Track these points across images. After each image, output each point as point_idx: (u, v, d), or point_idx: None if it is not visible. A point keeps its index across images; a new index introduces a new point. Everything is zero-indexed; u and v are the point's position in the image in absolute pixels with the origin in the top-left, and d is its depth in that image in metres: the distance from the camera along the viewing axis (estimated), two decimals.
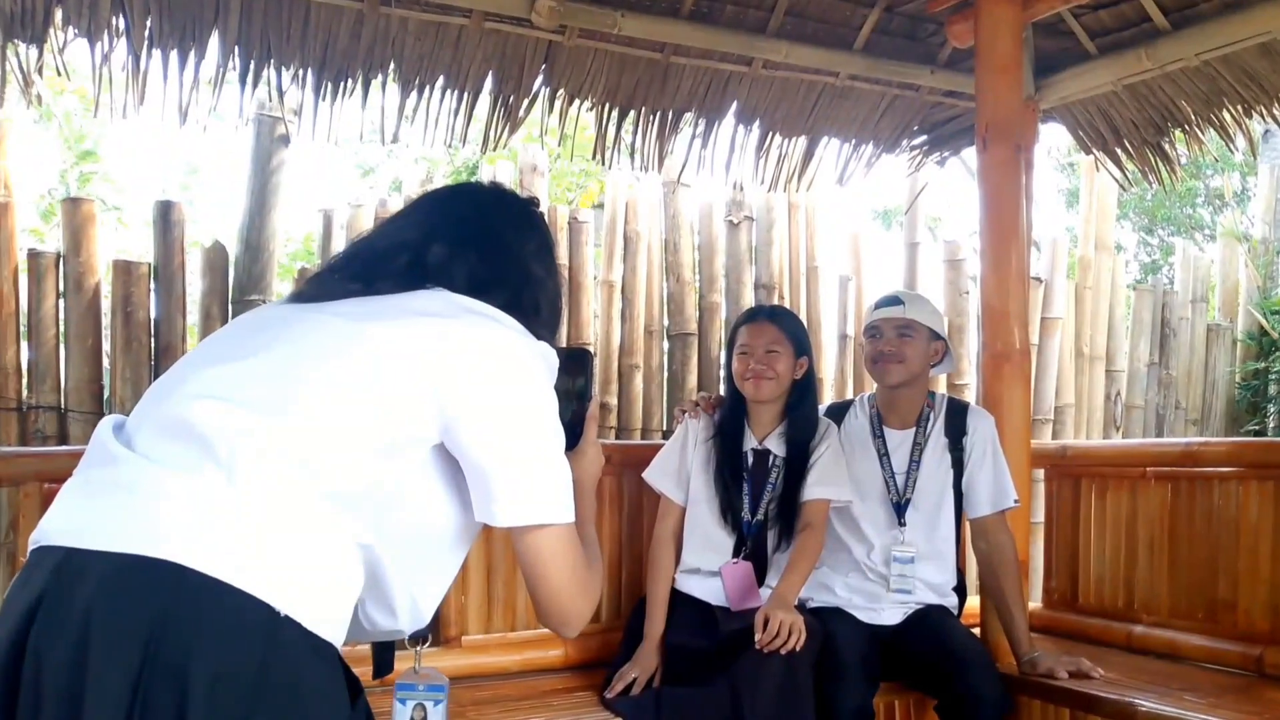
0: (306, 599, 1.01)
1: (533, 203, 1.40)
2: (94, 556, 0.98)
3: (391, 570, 1.11)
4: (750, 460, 2.45)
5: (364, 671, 1.30)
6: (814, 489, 2.40)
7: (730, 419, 2.47)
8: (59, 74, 2.53)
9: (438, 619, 2.45)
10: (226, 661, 0.95)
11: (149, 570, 0.96)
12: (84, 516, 1.02)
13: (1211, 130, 3.21)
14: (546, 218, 3.79)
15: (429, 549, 1.17)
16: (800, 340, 2.46)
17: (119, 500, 1.01)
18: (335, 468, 1.06)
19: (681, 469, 2.49)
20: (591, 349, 3.66)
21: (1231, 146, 3.30)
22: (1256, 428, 4.93)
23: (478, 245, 1.27)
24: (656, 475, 2.51)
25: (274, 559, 1.00)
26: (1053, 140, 8.41)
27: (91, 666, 0.93)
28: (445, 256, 1.24)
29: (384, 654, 1.32)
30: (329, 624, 1.03)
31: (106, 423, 1.11)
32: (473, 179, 5.98)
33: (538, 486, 1.15)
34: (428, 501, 1.15)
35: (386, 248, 1.26)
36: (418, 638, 1.29)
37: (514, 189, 1.44)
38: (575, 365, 1.32)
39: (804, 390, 2.47)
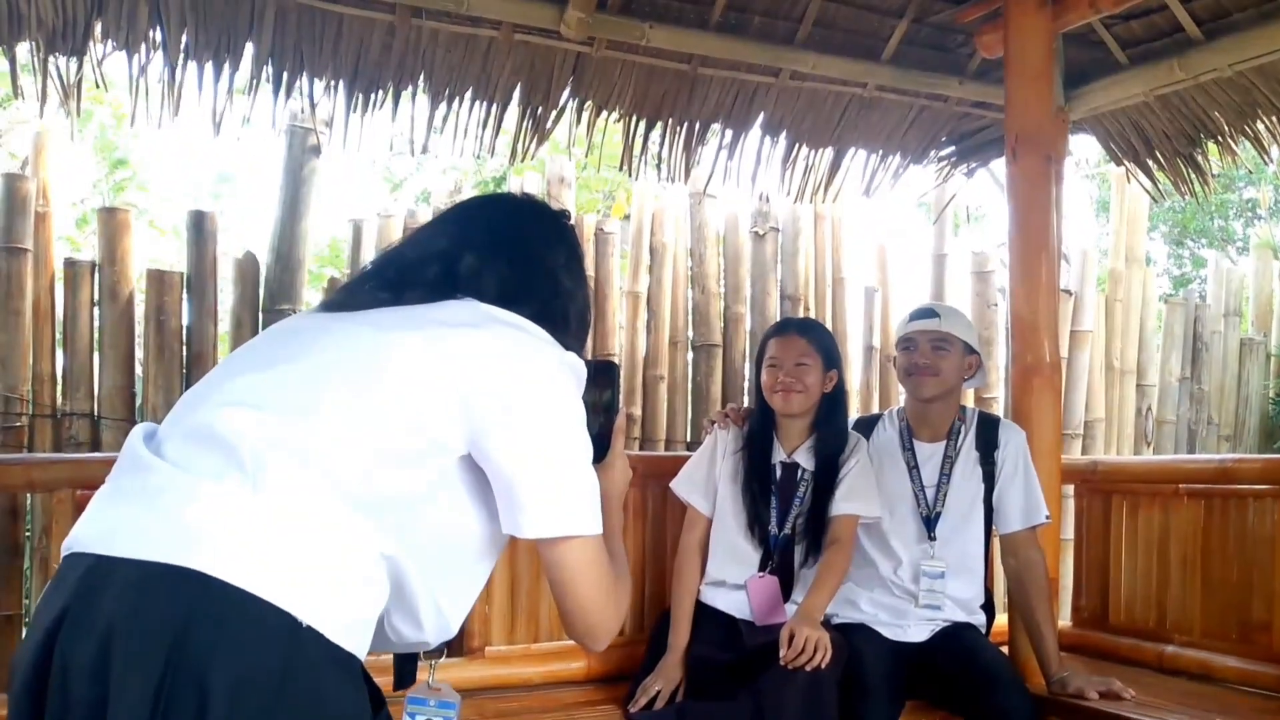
0: (329, 610, 1.01)
1: (563, 215, 1.40)
2: (120, 563, 0.98)
3: (417, 582, 1.11)
4: (779, 473, 2.44)
5: (386, 682, 1.30)
6: (842, 504, 2.39)
7: (759, 431, 2.46)
8: (97, 86, 2.57)
9: (461, 629, 2.45)
10: (247, 671, 0.95)
11: (173, 578, 0.97)
12: (112, 523, 1.03)
13: (1245, 141, 3.17)
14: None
15: (455, 560, 1.17)
16: (830, 353, 2.45)
17: (146, 507, 1.02)
18: (361, 477, 1.07)
19: (709, 480, 2.48)
20: (617, 360, 3.66)
21: (1266, 157, 3.26)
22: None
23: (508, 256, 1.27)
24: (684, 486, 2.50)
25: (297, 569, 1.00)
26: (1082, 150, 8.34)
27: (114, 673, 0.94)
28: (476, 267, 1.24)
29: (406, 665, 1.32)
30: (352, 635, 1.03)
31: (138, 431, 1.13)
32: (501, 190, 6.02)
33: (565, 498, 1.15)
34: (454, 512, 1.15)
35: (417, 258, 1.26)
36: (434, 651, 1.29)
37: (544, 200, 1.44)
38: (603, 377, 1.32)
39: (834, 403, 2.45)
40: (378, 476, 1.07)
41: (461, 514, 1.16)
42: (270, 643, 0.97)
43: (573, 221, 1.41)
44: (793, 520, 2.41)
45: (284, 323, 1.29)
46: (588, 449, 1.19)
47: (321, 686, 1.00)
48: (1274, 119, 3.04)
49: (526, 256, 1.28)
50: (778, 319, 3.85)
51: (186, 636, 0.95)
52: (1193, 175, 3.33)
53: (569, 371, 1.20)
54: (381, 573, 1.07)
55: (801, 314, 3.89)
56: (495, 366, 1.14)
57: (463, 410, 1.11)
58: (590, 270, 3.66)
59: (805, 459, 2.44)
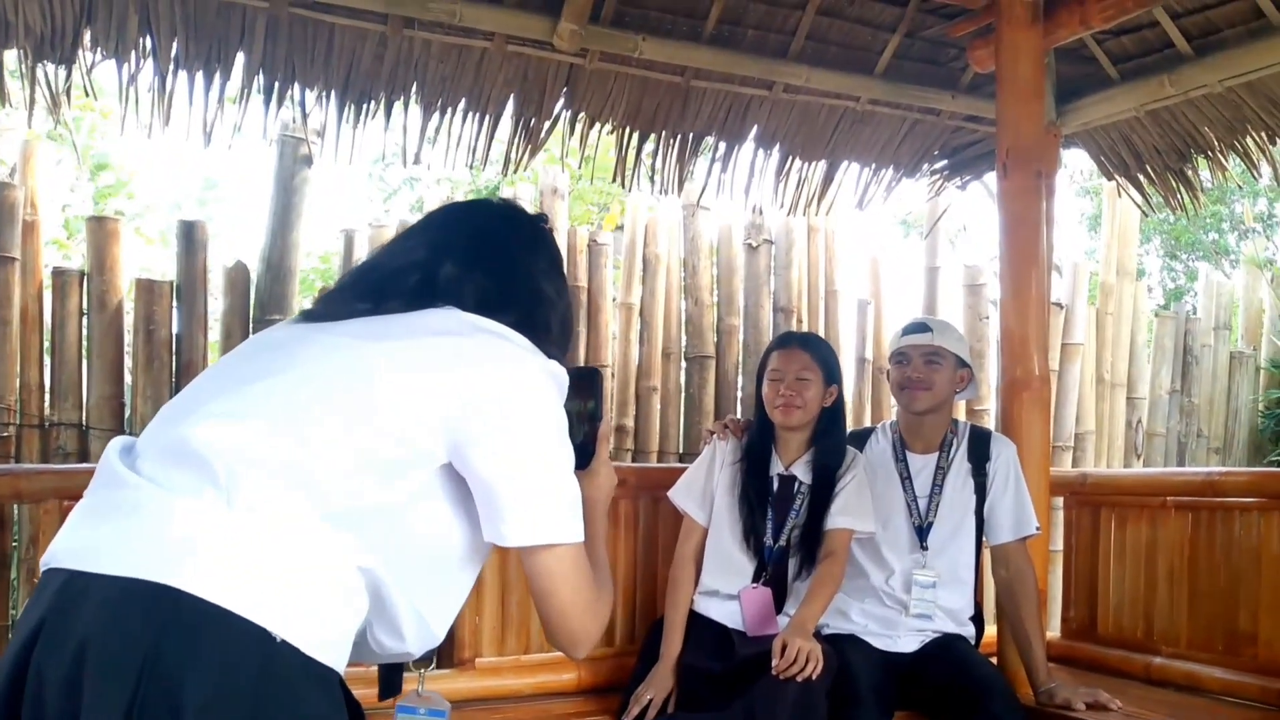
0: (304, 624, 1.00)
1: (541, 220, 1.39)
2: (95, 580, 0.98)
3: (396, 593, 1.10)
4: (775, 485, 2.44)
5: (373, 692, 1.29)
6: (838, 518, 2.39)
7: (758, 443, 2.47)
8: (86, 94, 2.57)
9: (451, 640, 2.45)
10: (220, 687, 0.95)
11: (147, 595, 0.96)
12: (88, 539, 1.03)
13: (1235, 156, 3.19)
14: (566, 240, 3.80)
15: (437, 569, 1.17)
16: (831, 368, 2.46)
17: (121, 524, 1.02)
18: (338, 490, 1.06)
19: (706, 490, 2.48)
20: (609, 369, 3.66)
21: (1256, 173, 3.28)
22: (1279, 458, 4.86)
23: (488, 264, 1.26)
24: (681, 495, 2.51)
25: (271, 584, 1.00)
26: (1076, 164, 8.37)
27: (87, 689, 0.94)
28: (455, 275, 1.23)
29: (392, 675, 1.31)
30: (328, 649, 1.03)
31: (114, 445, 1.12)
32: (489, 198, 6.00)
33: (547, 506, 1.15)
34: (435, 521, 1.14)
35: (397, 267, 1.26)
36: (423, 660, 1.28)
37: (522, 205, 1.43)
38: (586, 385, 1.32)
39: (833, 418, 2.46)
40: (357, 488, 1.07)
41: (443, 524, 1.15)
42: (244, 658, 0.96)
43: (551, 227, 1.40)
44: (788, 533, 2.41)
45: (263, 334, 1.28)
46: (569, 457, 1.19)
47: (297, 702, 0.99)
48: (1263, 134, 3.06)
49: (506, 264, 1.28)
50: (771, 331, 3.86)
51: (160, 653, 0.94)
52: (1183, 190, 3.35)
53: (551, 379, 1.19)
54: (360, 586, 1.07)
55: (795, 326, 3.90)
56: (477, 375, 1.13)
57: (444, 419, 1.11)
58: (583, 281, 3.67)
59: (803, 472, 2.44)
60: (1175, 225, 8.17)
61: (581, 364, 3.47)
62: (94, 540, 1.02)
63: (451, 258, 1.25)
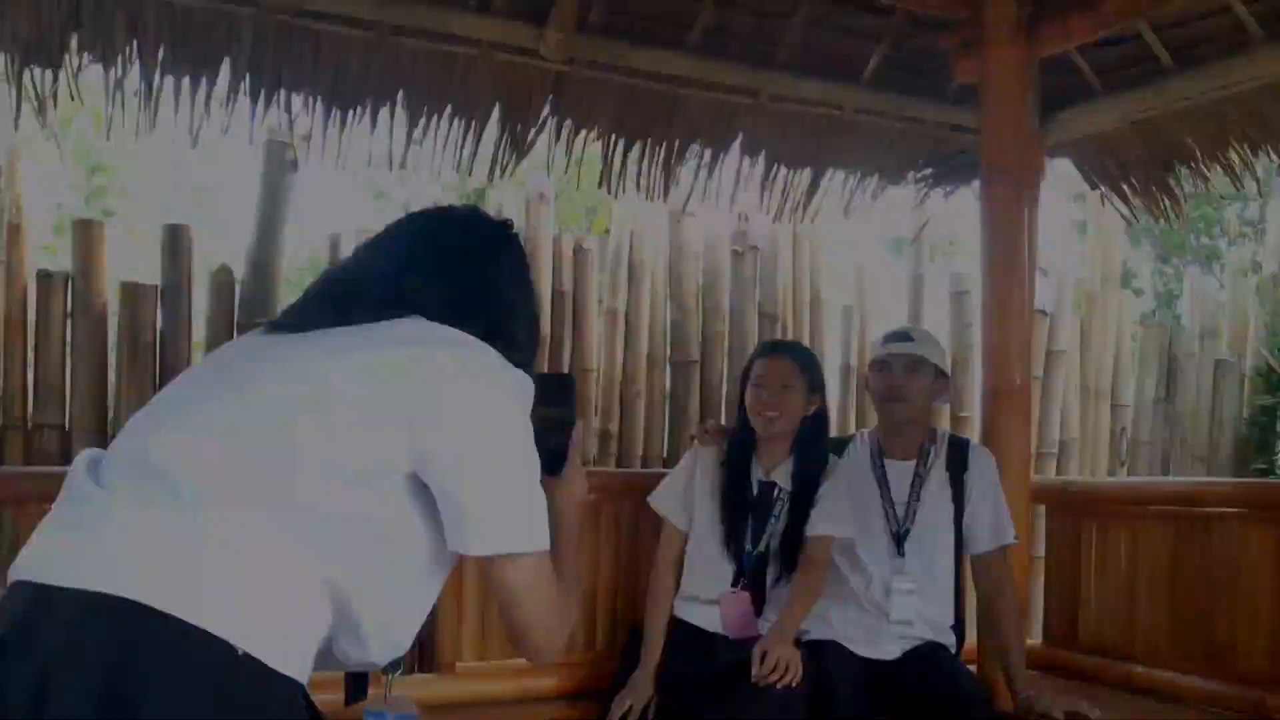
0: (267, 636, 1.01)
1: (507, 225, 1.39)
2: (60, 593, 0.99)
3: (359, 604, 1.11)
4: (756, 491, 2.45)
5: (339, 697, 1.30)
6: (818, 525, 2.40)
7: (739, 448, 2.48)
8: (73, 99, 2.57)
9: (433, 645, 2.45)
10: (183, 701, 0.96)
11: (111, 609, 0.97)
12: (52, 552, 1.04)
13: (1218, 168, 3.21)
14: (551, 245, 3.78)
15: (401, 579, 1.17)
16: (815, 377, 2.47)
17: (86, 537, 1.03)
18: (303, 502, 1.07)
19: (687, 495, 2.49)
20: (594, 374, 3.66)
21: (1238, 184, 3.30)
22: (1264, 466, 4.88)
23: (453, 272, 1.26)
24: (661, 500, 2.52)
25: (233, 597, 1.01)
26: (1067, 169, 8.37)
27: (51, 702, 0.95)
28: (420, 285, 1.24)
29: (357, 681, 1.31)
30: (291, 661, 1.04)
31: (82, 458, 1.13)
32: (480, 203, 6.00)
33: (511, 515, 1.15)
34: (399, 531, 1.15)
35: (363, 276, 1.26)
36: (391, 666, 1.29)
37: (487, 212, 1.42)
38: (559, 391, 1.32)
39: (816, 427, 2.47)
40: (320, 500, 1.08)
41: (406, 534, 1.15)
42: (206, 671, 0.97)
43: (516, 231, 1.39)
44: (766, 539, 2.42)
45: (229, 345, 1.28)
46: (534, 466, 1.19)
47: (260, 714, 1.00)
48: (1246, 147, 3.09)
49: (471, 272, 1.28)
50: (756, 337, 3.87)
51: (123, 667, 0.95)
52: (1166, 200, 3.37)
53: (515, 388, 1.19)
54: (323, 598, 1.08)
55: (779, 333, 3.90)
56: (440, 385, 1.14)
57: (407, 430, 1.11)
58: (569, 287, 3.67)
59: (783, 479, 2.45)
60: (1165, 229, 8.20)
61: (565, 369, 3.47)
62: (58, 553, 1.03)
63: (416, 267, 1.25)
